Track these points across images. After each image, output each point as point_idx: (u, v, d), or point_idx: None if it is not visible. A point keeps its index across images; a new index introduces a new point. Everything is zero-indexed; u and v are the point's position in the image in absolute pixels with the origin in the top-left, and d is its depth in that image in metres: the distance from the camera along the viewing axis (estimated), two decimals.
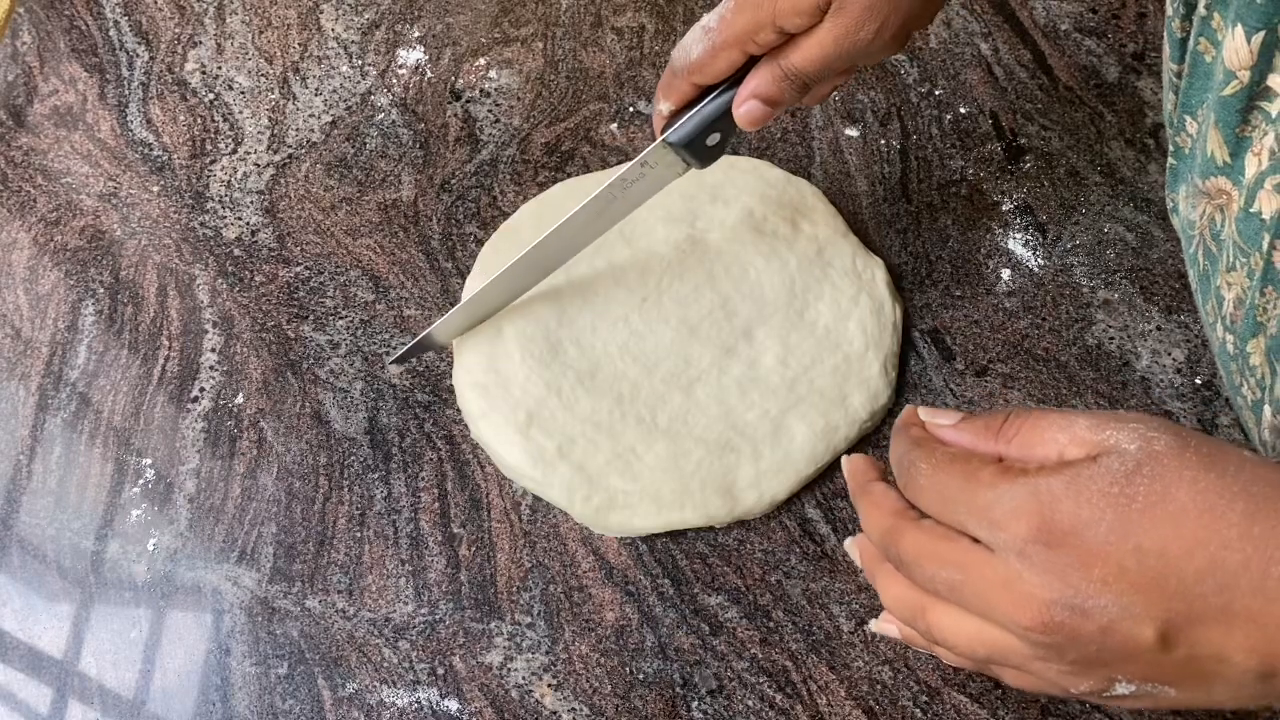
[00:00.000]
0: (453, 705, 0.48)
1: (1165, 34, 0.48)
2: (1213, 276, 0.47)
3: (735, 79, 0.46)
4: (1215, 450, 0.30)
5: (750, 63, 0.45)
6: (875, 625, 0.41)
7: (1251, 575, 0.28)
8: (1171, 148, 0.50)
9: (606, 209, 0.51)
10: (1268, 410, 0.44)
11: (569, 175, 0.62)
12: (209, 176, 0.63)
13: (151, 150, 0.64)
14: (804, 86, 0.45)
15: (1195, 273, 0.50)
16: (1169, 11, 0.47)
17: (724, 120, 0.47)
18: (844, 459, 0.40)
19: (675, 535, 0.52)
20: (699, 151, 0.47)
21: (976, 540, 0.32)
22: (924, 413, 0.36)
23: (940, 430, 0.35)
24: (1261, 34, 0.40)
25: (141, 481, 0.54)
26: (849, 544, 0.40)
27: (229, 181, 0.63)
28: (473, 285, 0.57)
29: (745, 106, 0.45)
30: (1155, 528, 0.29)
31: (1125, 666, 0.30)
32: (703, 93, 0.47)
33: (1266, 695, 0.30)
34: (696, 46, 0.45)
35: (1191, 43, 0.45)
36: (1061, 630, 0.30)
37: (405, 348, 0.55)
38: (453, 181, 0.62)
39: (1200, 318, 0.52)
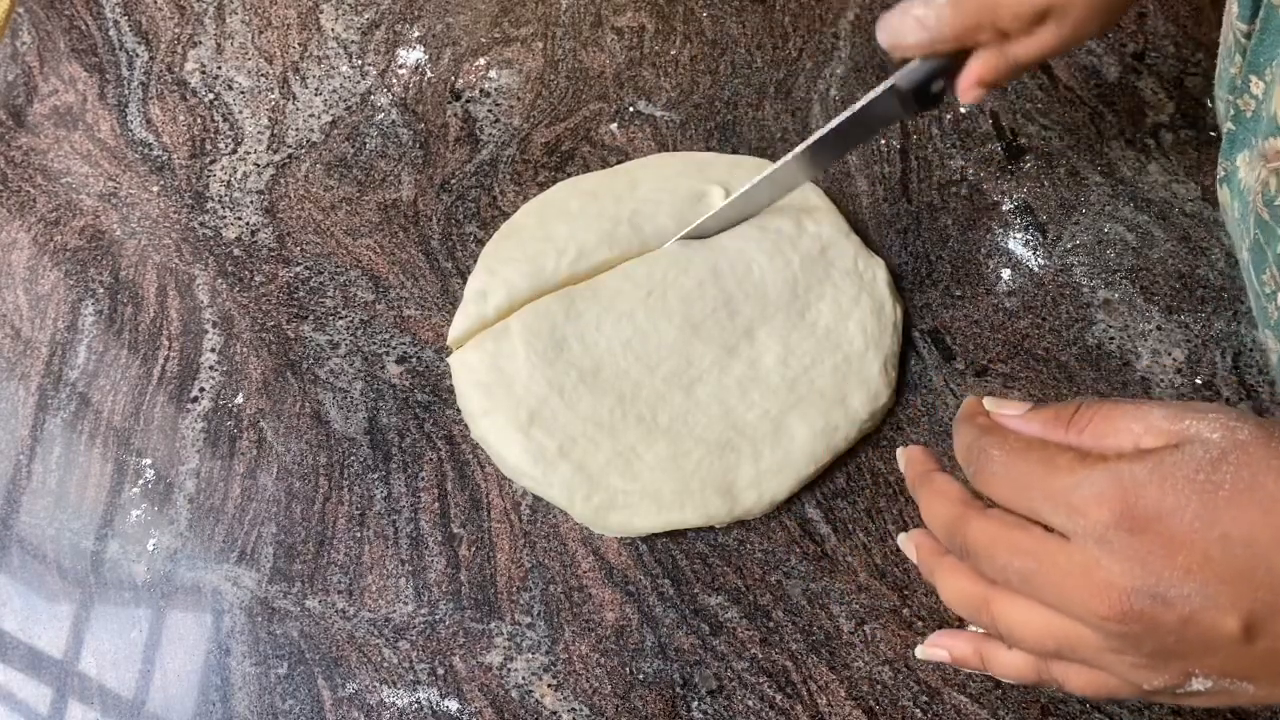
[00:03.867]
0: (453, 705, 0.48)
1: None
2: (1271, 245, 0.45)
3: None
4: None
5: None
6: (923, 651, 0.40)
7: None
8: (1232, 112, 0.49)
9: (822, 152, 0.53)
10: None
11: (569, 175, 0.62)
12: (209, 176, 0.63)
13: (151, 150, 0.64)
14: (1025, 70, 0.47)
15: (1247, 245, 0.48)
16: None
17: (944, 72, 0.48)
18: (900, 450, 0.39)
19: (675, 535, 0.52)
20: (922, 97, 0.49)
21: (1048, 529, 0.31)
22: (989, 403, 0.36)
23: (1007, 420, 0.35)
24: None
25: (141, 481, 0.54)
26: (903, 540, 0.39)
27: (229, 181, 0.63)
28: (473, 285, 0.57)
29: (972, 92, 0.47)
30: (1243, 516, 0.28)
31: (1205, 660, 0.30)
32: None
33: None
34: (910, 35, 0.47)
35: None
36: (1141, 619, 0.29)
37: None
38: (453, 181, 0.62)
39: (1250, 292, 0.51)
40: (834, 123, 0.51)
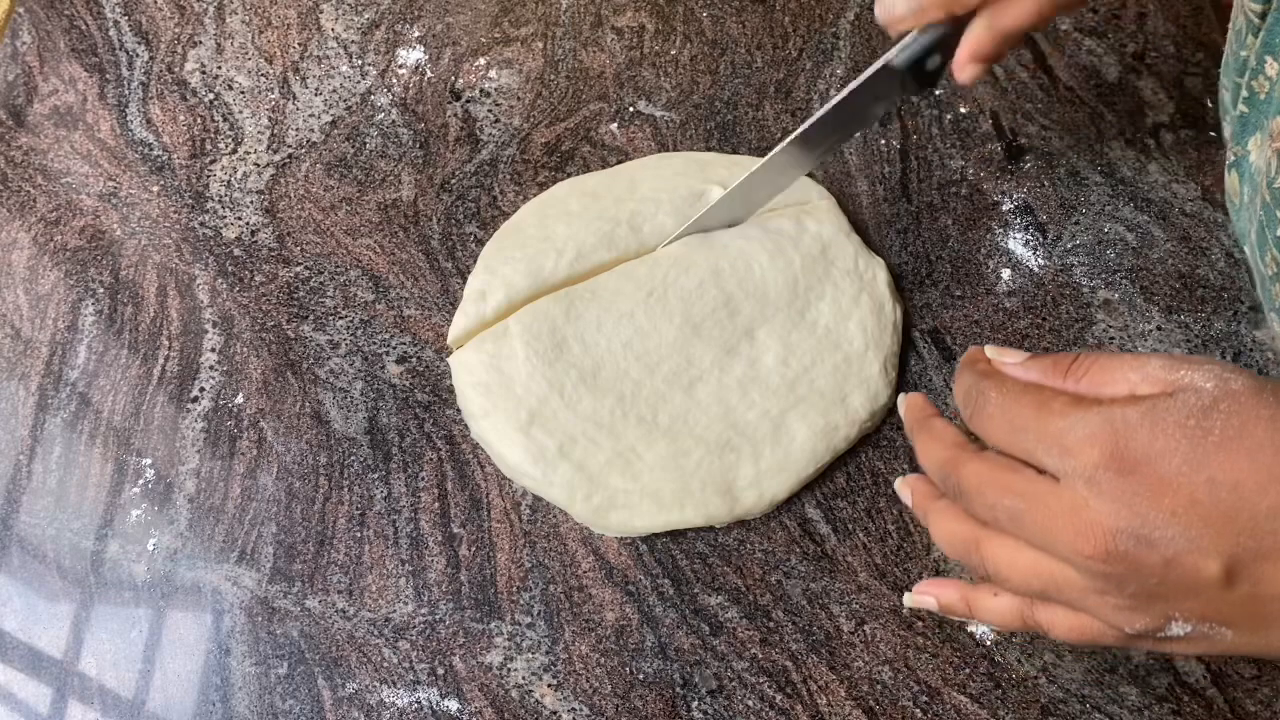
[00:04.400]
0: (453, 705, 0.48)
1: None
2: (1270, 228, 0.46)
3: None
4: None
5: None
6: (911, 599, 0.40)
7: None
8: (1245, 94, 0.49)
9: (821, 138, 0.52)
10: None
11: (569, 175, 0.62)
12: (209, 176, 0.63)
13: (151, 150, 0.64)
14: (1018, 40, 0.47)
15: (1255, 227, 0.49)
16: None
17: (939, 47, 0.48)
18: (901, 396, 0.40)
19: (675, 535, 0.52)
20: (919, 74, 0.48)
21: (1041, 472, 0.32)
22: (990, 350, 0.36)
23: (1007, 367, 0.35)
24: None
25: (141, 481, 0.54)
26: (899, 484, 0.40)
27: (229, 181, 0.63)
28: (473, 284, 0.57)
29: (968, 70, 0.47)
30: (1230, 461, 0.29)
31: (1185, 602, 0.30)
32: None
33: None
34: (900, 4, 0.46)
35: None
36: (1125, 560, 0.29)
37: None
38: (453, 181, 0.62)
39: (1255, 278, 0.51)
40: (828, 106, 0.50)
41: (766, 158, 0.53)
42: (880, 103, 0.51)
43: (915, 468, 0.53)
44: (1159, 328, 0.56)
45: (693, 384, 0.53)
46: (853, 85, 0.49)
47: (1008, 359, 0.35)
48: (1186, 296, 0.57)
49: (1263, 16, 0.47)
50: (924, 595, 0.40)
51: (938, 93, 0.64)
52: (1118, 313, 0.56)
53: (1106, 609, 0.32)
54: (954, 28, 0.47)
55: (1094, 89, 0.64)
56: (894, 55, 0.48)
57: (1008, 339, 0.56)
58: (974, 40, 0.46)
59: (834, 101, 0.50)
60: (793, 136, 0.52)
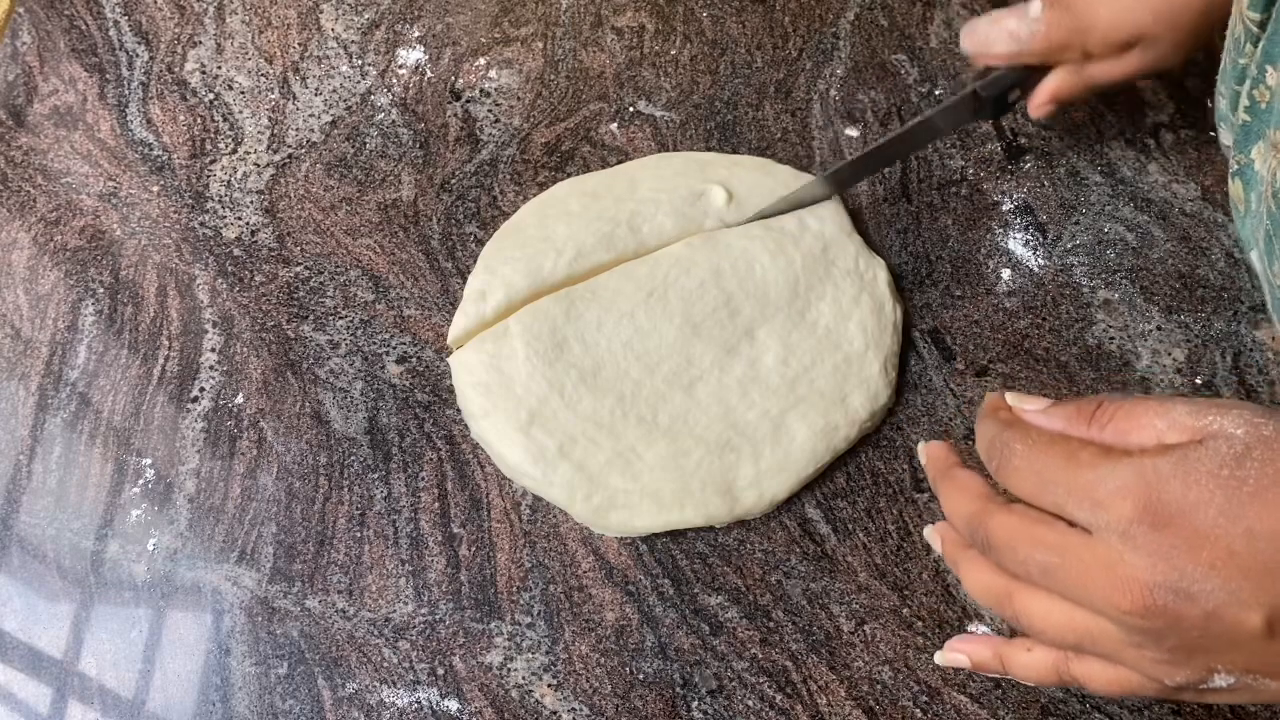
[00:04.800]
0: (453, 705, 0.48)
1: None
2: (1277, 238, 0.46)
3: None
4: None
5: None
6: (942, 657, 0.40)
7: None
8: (1247, 103, 0.49)
9: (895, 149, 0.56)
10: None
11: (569, 175, 0.62)
12: (209, 176, 0.63)
13: (151, 150, 0.64)
14: (1098, 92, 0.50)
15: (1262, 235, 0.48)
16: None
17: (1023, 83, 0.52)
18: (922, 445, 0.39)
19: (675, 535, 0.52)
20: (999, 104, 0.53)
21: (1071, 525, 0.31)
22: (1011, 398, 0.35)
23: (1029, 415, 0.34)
24: None
25: (141, 481, 0.54)
26: (929, 532, 0.39)
27: (229, 181, 0.63)
28: (473, 284, 0.57)
29: (1044, 108, 0.50)
30: (1267, 511, 0.28)
31: (1227, 655, 0.30)
32: None
33: None
34: (999, 45, 0.49)
35: None
36: (1164, 614, 0.29)
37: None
38: (453, 181, 0.62)
39: (1264, 287, 0.50)
40: (912, 122, 0.53)
41: (832, 169, 0.57)
42: (952, 125, 0.54)
43: (915, 468, 0.53)
44: (1159, 328, 0.56)
45: (693, 384, 0.53)
46: (939, 107, 0.52)
47: (1029, 406, 0.35)
48: (1186, 296, 0.57)
49: (1262, 26, 0.47)
50: (956, 654, 0.39)
51: (937, 92, 0.64)
52: (1118, 313, 0.56)
53: (1145, 662, 0.31)
54: (1039, 69, 0.50)
55: None
56: (983, 86, 0.51)
57: (1008, 339, 0.56)
58: (1059, 83, 0.49)
59: (915, 120, 0.53)
60: (879, 143, 0.55)
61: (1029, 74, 0.51)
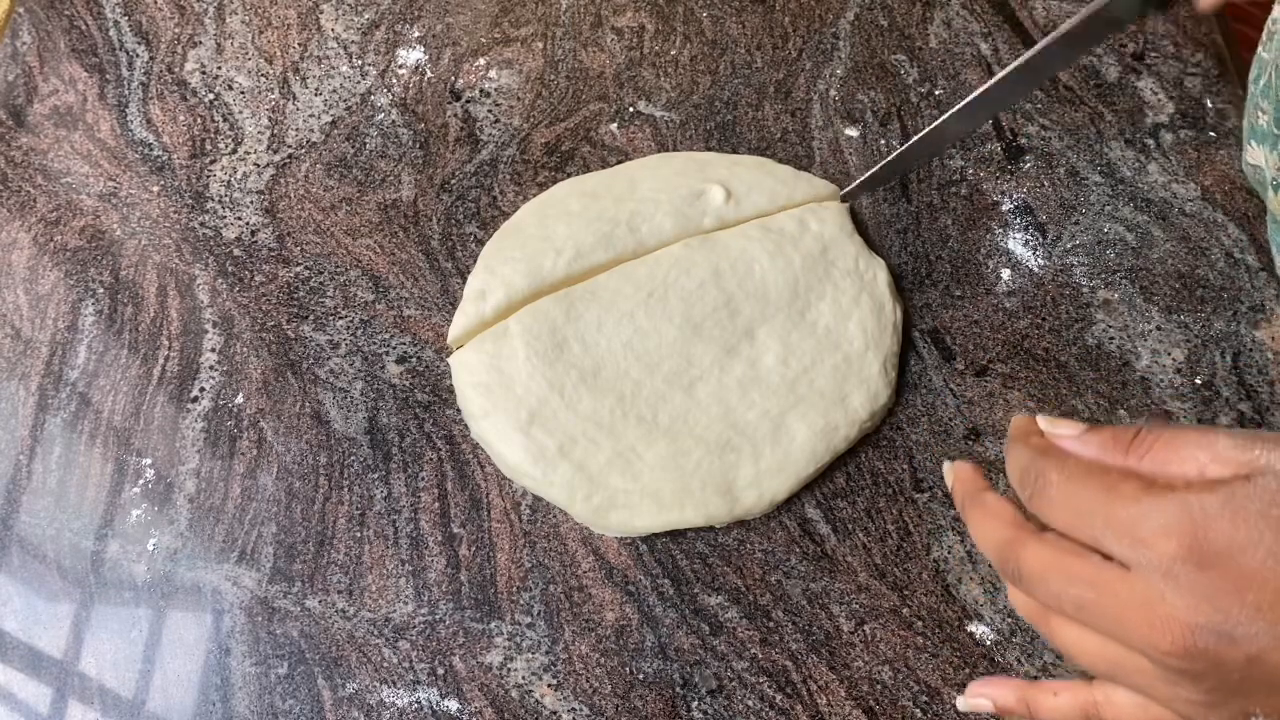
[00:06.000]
0: (453, 705, 0.48)
1: None
2: None
3: None
4: None
5: None
6: (964, 703, 0.38)
7: None
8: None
9: (1060, 53, 0.51)
10: None
11: (569, 175, 0.62)
12: (209, 176, 0.63)
13: (151, 150, 0.64)
14: None
15: None
16: None
17: None
18: (948, 465, 0.38)
19: (675, 535, 0.52)
20: None
21: (1107, 558, 0.30)
22: (1044, 421, 0.34)
23: (1063, 441, 0.33)
24: None
25: (141, 481, 0.54)
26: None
27: (229, 181, 0.63)
28: (473, 284, 0.57)
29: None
30: None
31: (1268, 700, 0.29)
32: None
33: None
34: None
35: None
36: (1205, 657, 0.28)
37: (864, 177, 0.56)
38: (453, 181, 0.62)
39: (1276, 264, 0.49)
40: (1075, 19, 0.49)
41: (994, 80, 0.52)
42: (1115, 23, 0.50)
43: (915, 468, 0.53)
44: (1159, 328, 0.56)
45: (693, 384, 0.53)
46: (1089, 8, 0.49)
47: (1062, 430, 0.33)
48: (1186, 296, 0.57)
49: None
50: (978, 698, 0.38)
51: (937, 92, 0.64)
52: (1117, 313, 0.56)
53: (1179, 702, 0.30)
54: None
55: (1094, 89, 0.64)
56: None
57: (1007, 339, 0.56)
58: None
59: (1079, 17, 0.49)
60: (1043, 44, 0.50)
61: None
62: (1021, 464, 0.33)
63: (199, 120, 0.65)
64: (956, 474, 0.37)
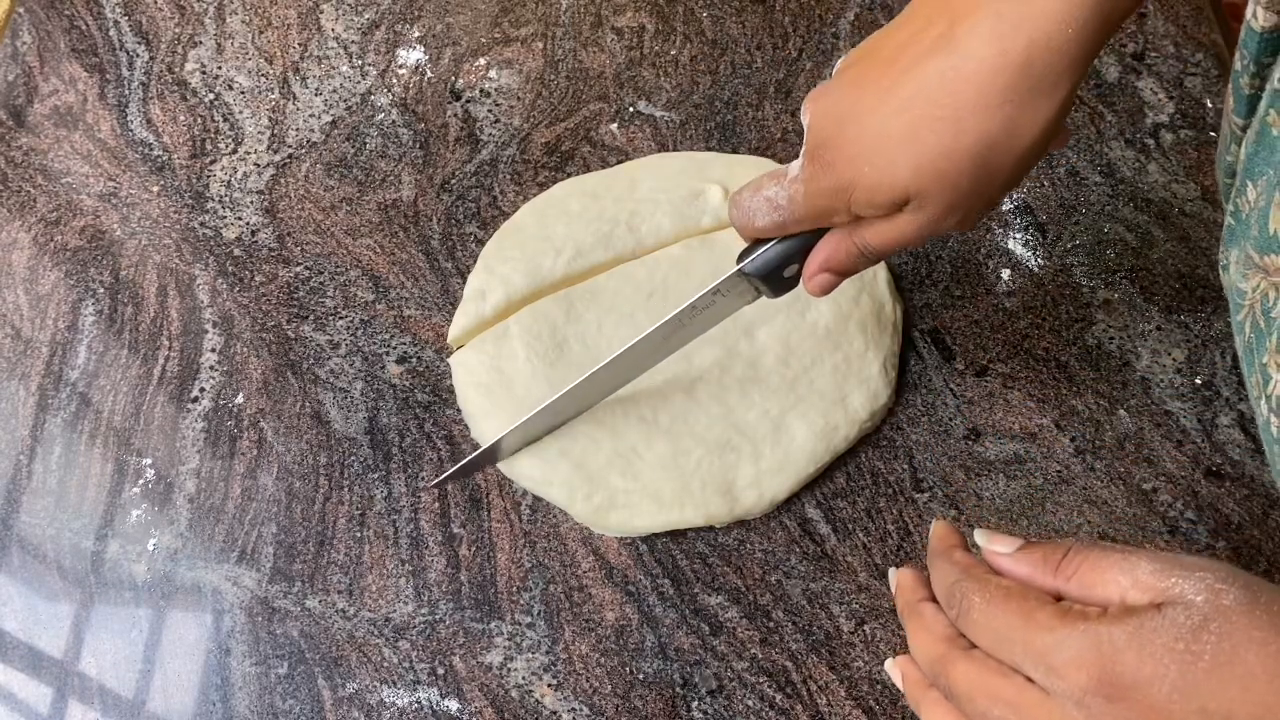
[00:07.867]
0: (453, 705, 0.48)
1: (1231, 86, 0.46)
2: (1258, 353, 0.45)
3: None
4: None
5: None
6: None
7: None
8: (1231, 207, 0.47)
9: (675, 333, 0.49)
10: None
11: (569, 175, 0.62)
12: (209, 176, 0.63)
13: (151, 150, 0.64)
14: (876, 259, 0.44)
15: (1241, 341, 0.47)
16: (1236, 66, 0.45)
17: (800, 254, 0.44)
18: (893, 572, 0.39)
19: (675, 535, 0.52)
20: (774, 282, 0.45)
21: (1031, 679, 0.31)
22: (981, 536, 0.35)
23: (997, 558, 0.35)
24: None
25: (141, 481, 0.54)
26: (890, 666, 0.39)
27: (229, 181, 0.63)
28: (473, 284, 0.57)
29: (817, 279, 0.44)
30: (1222, 690, 0.28)
31: None
32: None
33: None
34: (761, 216, 0.43)
35: (1261, 111, 0.43)
36: None
37: (453, 469, 0.52)
38: (453, 181, 0.62)
39: (1245, 385, 0.50)
40: (676, 312, 0.47)
41: (622, 350, 0.49)
42: (734, 306, 0.48)
43: (915, 468, 0.53)
44: (1159, 328, 0.56)
45: (693, 384, 0.53)
46: (701, 293, 0.46)
47: (998, 547, 0.35)
48: (1186, 296, 0.57)
49: (1244, 130, 0.46)
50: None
51: None
52: (1118, 313, 0.57)
53: None
54: (813, 236, 0.43)
55: (1094, 89, 0.64)
56: (748, 263, 0.44)
57: (1007, 339, 0.56)
58: (830, 251, 0.43)
59: (679, 310, 0.47)
60: (646, 333, 0.48)
61: (806, 244, 0.43)
62: (947, 583, 0.35)
63: (199, 120, 0.65)
64: (899, 581, 0.39)
